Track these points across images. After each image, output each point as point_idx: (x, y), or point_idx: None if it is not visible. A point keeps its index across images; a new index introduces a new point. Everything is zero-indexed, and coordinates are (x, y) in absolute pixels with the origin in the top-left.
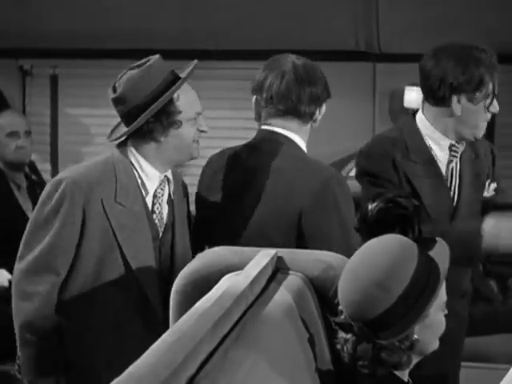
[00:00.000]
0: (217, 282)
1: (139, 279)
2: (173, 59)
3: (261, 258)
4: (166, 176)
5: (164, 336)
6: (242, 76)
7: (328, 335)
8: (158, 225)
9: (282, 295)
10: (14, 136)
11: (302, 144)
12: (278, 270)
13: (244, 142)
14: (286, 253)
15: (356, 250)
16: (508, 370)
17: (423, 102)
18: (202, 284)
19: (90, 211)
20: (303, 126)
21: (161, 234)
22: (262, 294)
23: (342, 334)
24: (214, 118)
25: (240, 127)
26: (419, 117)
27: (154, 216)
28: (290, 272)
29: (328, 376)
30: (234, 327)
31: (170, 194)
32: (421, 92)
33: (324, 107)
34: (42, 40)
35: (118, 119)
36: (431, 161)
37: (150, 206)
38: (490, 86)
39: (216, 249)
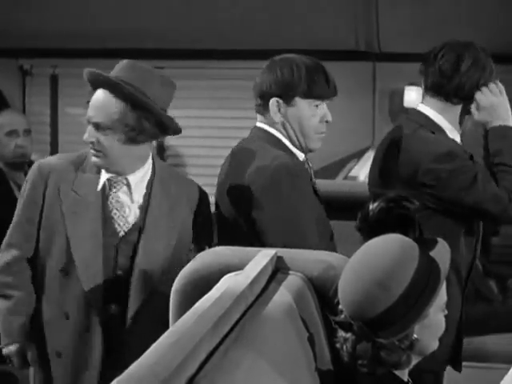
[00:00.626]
0: (216, 281)
1: (80, 269)
2: (173, 59)
3: (261, 257)
4: (126, 179)
5: (163, 336)
6: (241, 76)
7: (328, 335)
8: (118, 223)
9: (282, 295)
10: (13, 135)
11: (281, 136)
12: (278, 269)
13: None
14: (286, 253)
15: (313, 243)
16: (508, 369)
17: (441, 102)
18: (202, 284)
19: (47, 195)
20: (265, 119)
21: (122, 234)
22: (261, 294)
23: (341, 333)
24: (214, 117)
25: (241, 127)
26: (436, 116)
27: (113, 214)
28: (290, 272)
29: (328, 375)
30: (234, 327)
31: (148, 197)
32: (421, 92)
33: (273, 103)
34: (41, 40)
35: None
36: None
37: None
38: None
39: (216, 249)
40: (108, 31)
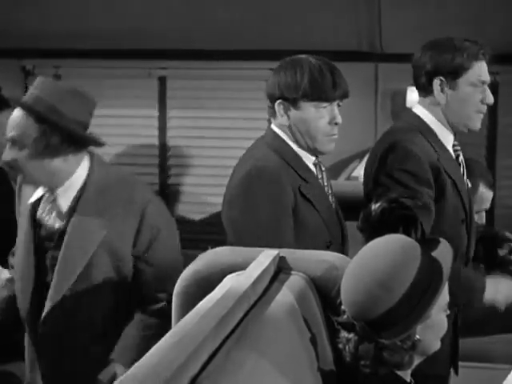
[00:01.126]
0: (219, 282)
1: (15, 272)
2: (174, 59)
3: (263, 258)
4: (52, 189)
5: (166, 336)
6: (243, 76)
7: (330, 335)
8: (47, 231)
9: (285, 295)
10: None
11: (287, 139)
12: (281, 270)
13: (242, 143)
14: (289, 253)
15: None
16: (509, 370)
17: (423, 99)
18: (204, 284)
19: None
20: (276, 121)
21: (51, 241)
22: (264, 294)
23: (344, 334)
24: (216, 118)
25: (244, 127)
26: (423, 113)
27: (42, 221)
28: (293, 272)
29: (330, 375)
30: (237, 327)
31: (74, 207)
32: None
33: (278, 106)
34: (44, 40)
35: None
36: (451, 157)
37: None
38: (475, 75)
39: (217, 249)
40: (111, 31)
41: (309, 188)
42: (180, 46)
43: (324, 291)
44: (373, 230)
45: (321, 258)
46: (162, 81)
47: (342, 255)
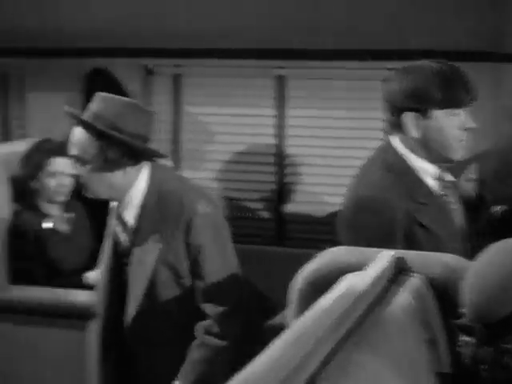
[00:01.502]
0: (336, 281)
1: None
2: (290, 59)
3: (381, 258)
4: (118, 204)
5: (283, 334)
6: (364, 76)
7: (448, 338)
8: (121, 245)
9: (404, 297)
10: None
11: (408, 153)
12: (399, 271)
13: (358, 142)
14: (406, 254)
15: None
16: None
17: None
18: (322, 283)
19: None
20: (399, 133)
21: (125, 254)
22: (383, 296)
23: (463, 337)
24: (342, 118)
25: (357, 127)
26: None
27: (116, 237)
28: (411, 273)
29: (447, 379)
30: (355, 328)
31: (138, 220)
32: None
33: (407, 117)
34: (165, 40)
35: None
36: None
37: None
38: None
39: (334, 249)
40: (232, 31)
41: (426, 212)
42: (298, 45)
43: (442, 293)
44: (492, 231)
45: (439, 260)
46: (281, 80)
47: (460, 257)
